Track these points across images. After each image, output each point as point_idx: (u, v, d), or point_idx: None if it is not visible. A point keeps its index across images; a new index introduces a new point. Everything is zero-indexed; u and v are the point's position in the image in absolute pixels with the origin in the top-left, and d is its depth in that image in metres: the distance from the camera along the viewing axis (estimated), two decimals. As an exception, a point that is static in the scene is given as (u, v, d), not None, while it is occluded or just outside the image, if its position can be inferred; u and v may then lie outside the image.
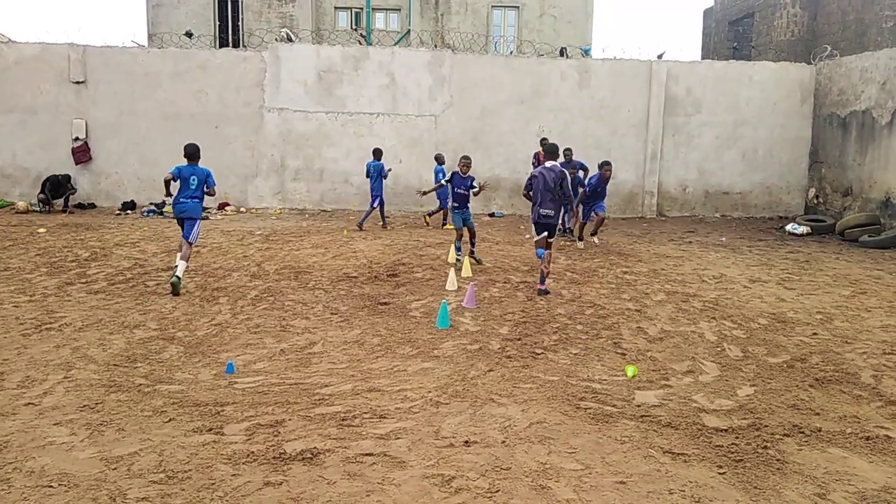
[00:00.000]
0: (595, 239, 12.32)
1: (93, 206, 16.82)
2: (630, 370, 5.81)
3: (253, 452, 4.20)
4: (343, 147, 17.25)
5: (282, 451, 4.22)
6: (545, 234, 8.71)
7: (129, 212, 16.16)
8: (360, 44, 19.74)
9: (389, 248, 11.79)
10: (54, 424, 4.58)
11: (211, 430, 4.53)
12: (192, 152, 9.02)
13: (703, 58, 26.90)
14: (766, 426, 4.77)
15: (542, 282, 8.69)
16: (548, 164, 8.77)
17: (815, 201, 17.54)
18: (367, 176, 14.34)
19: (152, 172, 17.06)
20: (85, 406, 4.90)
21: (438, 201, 15.06)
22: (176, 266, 8.67)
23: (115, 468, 3.99)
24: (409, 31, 23.08)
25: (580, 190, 12.42)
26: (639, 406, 5.10)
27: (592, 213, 12.59)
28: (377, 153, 14.40)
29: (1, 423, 4.58)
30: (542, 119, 17.33)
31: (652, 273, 10.22)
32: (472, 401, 5.13)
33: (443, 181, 10.75)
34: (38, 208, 15.87)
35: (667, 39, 75.77)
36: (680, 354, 6.42)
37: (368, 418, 4.76)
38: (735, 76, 17.62)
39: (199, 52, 17.24)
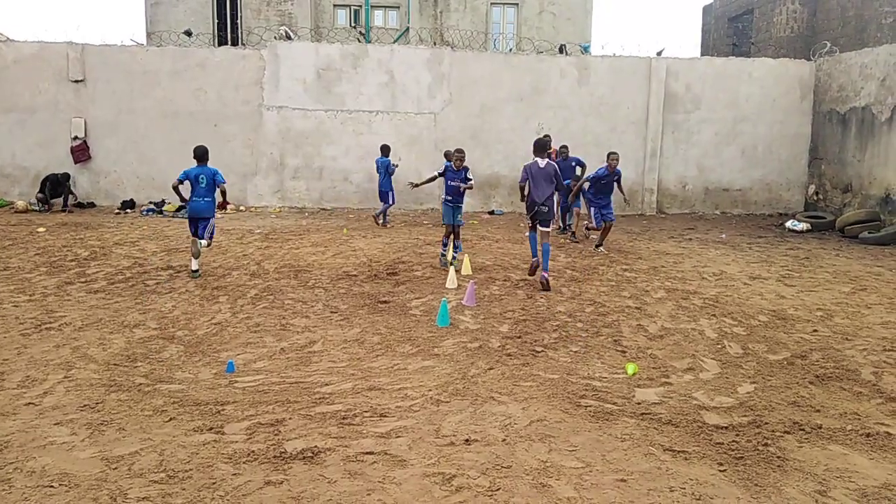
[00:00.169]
0: (602, 248, 11.82)
1: (92, 205, 16.80)
2: (630, 368, 5.82)
3: (253, 451, 4.20)
4: (342, 145, 17.24)
5: (282, 450, 4.22)
6: (538, 223, 9.01)
7: (128, 211, 16.15)
8: (359, 41, 19.73)
9: (389, 247, 11.79)
10: (55, 424, 4.58)
11: (211, 429, 4.53)
12: (200, 154, 9.38)
13: (702, 54, 26.86)
14: (766, 423, 4.77)
15: (545, 269, 8.94)
16: (541, 162, 8.99)
17: (815, 198, 17.54)
18: (378, 171, 14.48)
19: (151, 171, 17.06)
20: (85, 406, 4.90)
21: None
22: (191, 263, 9.23)
23: (115, 468, 3.99)
24: (408, 29, 23.05)
25: (585, 185, 11.98)
26: (639, 404, 5.10)
27: (602, 221, 11.80)
28: (384, 149, 14.48)
29: (1, 423, 4.58)
30: (542, 116, 17.32)
31: (652, 270, 10.22)
32: (473, 399, 5.13)
33: (435, 173, 10.59)
34: (37, 207, 15.86)
35: (666, 36, 75.70)
36: (680, 352, 6.42)
37: (369, 417, 4.76)
38: (734, 73, 17.60)
39: (197, 51, 17.21)
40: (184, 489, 3.76)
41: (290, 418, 4.71)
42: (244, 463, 4.07)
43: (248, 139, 17.06)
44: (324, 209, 17.17)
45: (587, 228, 12.54)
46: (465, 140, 17.06)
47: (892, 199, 14.56)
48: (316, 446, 4.28)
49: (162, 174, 17.06)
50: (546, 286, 8.76)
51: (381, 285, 8.93)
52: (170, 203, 16.48)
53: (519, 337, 6.75)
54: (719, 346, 6.59)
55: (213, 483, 3.83)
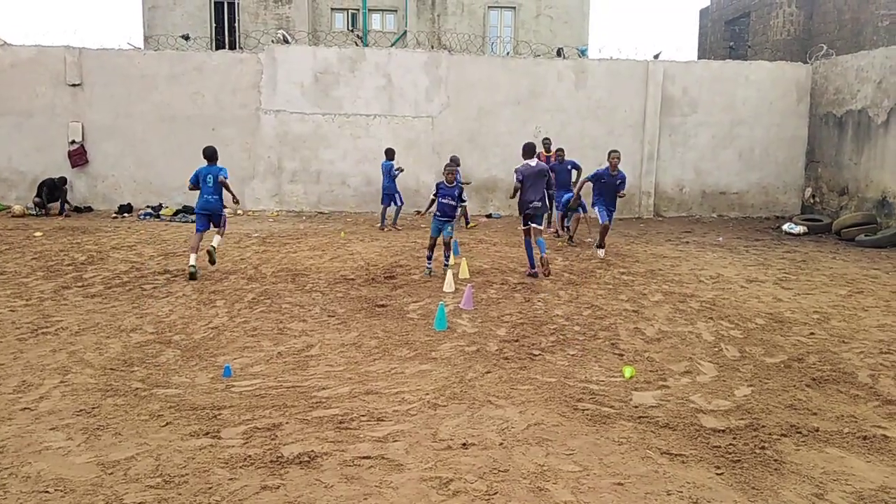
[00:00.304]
0: (601, 252, 11.38)
1: (89, 209, 16.78)
2: (627, 371, 5.82)
3: (250, 456, 4.19)
4: (340, 149, 17.24)
5: (279, 455, 4.21)
6: (532, 223, 9.70)
7: (125, 215, 16.13)
8: (357, 45, 19.74)
9: (387, 250, 11.78)
10: (50, 429, 4.57)
11: (208, 433, 4.52)
12: (209, 154, 9.98)
13: (699, 57, 26.94)
14: (763, 426, 4.77)
15: (533, 266, 9.79)
16: (531, 162, 9.64)
17: (812, 201, 17.57)
18: (382, 175, 14.60)
19: (149, 175, 17.05)
20: (81, 410, 4.88)
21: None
22: (211, 248, 9.76)
23: (111, 473, 3.98)
24: (405, 32, 23.09)
25: (585, 182, 11.67)
26: (636, 407, 5.10)
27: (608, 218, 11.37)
28: (389, 153, 14.55)
29: (-3, 428, 4.57)
30: (539, 120, 17.33)
31: (649, 273, 10.23)
32: (470, 403, 5.12)
33: (431, 196, 9.91)
34: (34, 212, 15.84)
35: (663, 39, 75.88)
36: (677, 355, 6.42)
37: (366, 421, 4.76)
38: (731, 76, 17.64)
39: (195, 55, 17.22)
40: (180, 494, 3.75)
41: (286, 423, 4.71)
42: (241, 468, 4.06)
43: (246, 143, 17.06)
44: (321, 213, 17.16)
45: (599, 230, 11.67)
46: (463, 143, 17.08)
47: (888, 201, 14.59)
48: (313, 451, 4.27)
49: (159, 178, 17.08)
50: (546, 268, 9.62)
51: (379, 289, 8.92)
52: (167, 207, 16.47)
53: (516, 340, 6.75)
54: (716, 350, 6.60)
55: (210, 488, 3.82)
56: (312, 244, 12.33)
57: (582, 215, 12.84)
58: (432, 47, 20.99)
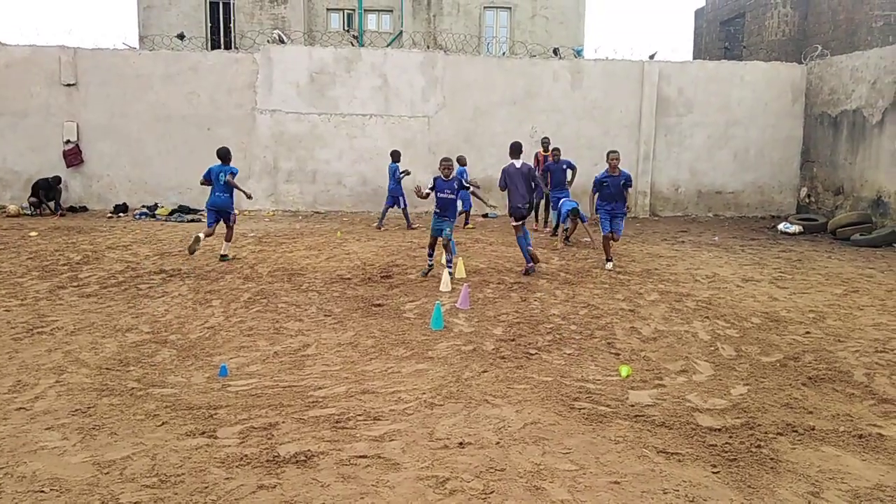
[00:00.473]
0: (610, 265, 10.53)
1: (84, 209, 16.74)
2: (624, 370, 5.82)
3: (246, 455, 4.19)
4: (336, 148, 17.23)
5: (275, 454, 4.20)
6: (522, 220, 9.89)
7: (120, 214, 16.09)
8: (353, 45, 19.73)
9: (383, 250, 11.78)
10: (46, 429, 4.55)
11: (204, 433, 4.51)
12: (222, 154, 10.58)
13: (694, 58, 26.98)
14: (759, 425, 4.78)
15: (529, 261, 9.94)
16: (517, 163, 9.94)
17: (807, 200, 17.62)
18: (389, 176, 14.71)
19: (144, 175, 17.01)
20: (77, 410, 4.87)
21: (461, 203, 14.97)
22: (223, 256, 10.58)
23: (107, 472, 3.97)
24: (401, 33, 23.08)
25: (593, 194, 10.71)
26: (633, 406, 5.11)
27: (610, 230, 10.53)
28: (394, 155, 14.61)
29: (-8, 428, 4.55)
30: (535, 120, 17.35)
31: (645, 273, 10.24)
32: (467, 402, 5.12)
33: (427, 189, 9.55)
34: (29, 211, 15.79)
35: (658, 40, 76.00)
36: (673, 354, 6.43)
37: (362, 420, 4.75)
38: (726, 76, 17.68)
39: (190, 54, 17.18)
40: (176, 494, 3.74)
41: (283, 422, 4.70)
42: (237, 467, 4.05)
43: (242, 143, 17.02)
44: (317, 212, 17.15)
45: (603, 238, 10.80)
46: (459, 143, 17.08)
47: (883, 201, 14.64)
48: (309, 450, 4.27)
49: (155, 178, 17.04)
50: (535, 260, 9.95)
51: (375, 288, 8.92)
52: (162, 207, 16.44)
53: (513, 340, 6.75)
54: (712, 349, 6.61)
55: (206, 487, 3.81)
56: (309, 244, 12.32)
57: (581, 224, 12.74)
58: (428, 47, 21.00)
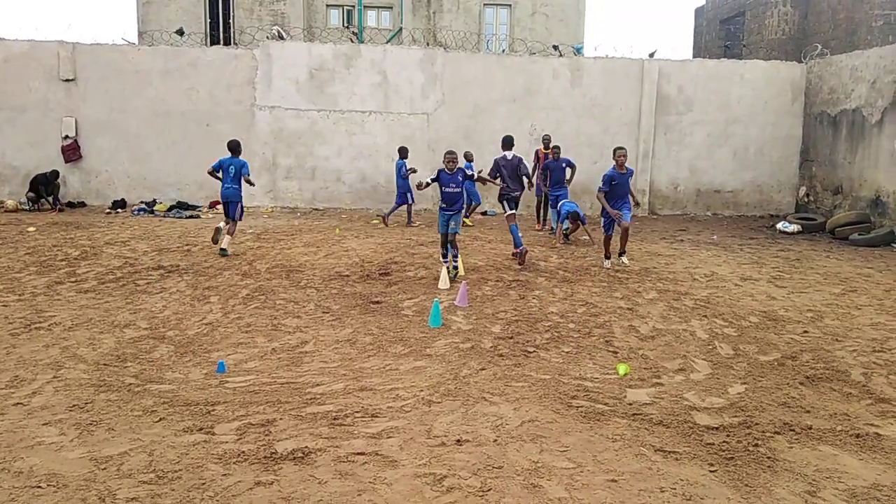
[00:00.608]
0: (625, 259, 10.39)
1: (83, 204, 16.72)
2: (622, 368, 5.83)
3: (244, 452, 4.18)
4: (335, 145, 17.21)
5: (273, 451, 4.20)
6: (514, 209, 10.59)
7: (119, 210, 16.06)
8: (352, 41, 19.69)
9: (382, 247, 11.77)
10: (43, 424, 4.55)
11: (201, 429, 4.51)
12: (233, 147, 10.89)
13: (694, 56, 26.97)
14: (756, 424, 4.79)
15: (520, 244, 10.35)
16: (508, 154, 10.56)
17: (806, 199, 17.63)
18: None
19: (143, 170, 16.99)
20: (74, 406, 4.87)
21: (469, 198, 15.04)
22: (221, 241, 10.67)
23: (104, 468, 3.97)
24: (401, 29, 23.05)
25: (601, 194, 10.18)
26: (630, 404, 5.11)
27: (616, 225, 10.25)
28: (402, 151, 14.63)
29: (-11, 423, 4.55)
30: (535, 117, 17.33)
31: (643, 271, 10.24)
32: (464, 399, 5.12)
33: (428, 179, 9.29)
34: (27, 207, 15.77)
35: (658, 38, 75.94)
36: (671, 352, 6.43)
37: (360, 417, 4.75)
38: (726, 75, 17.66)
39: (189, 50, 17.15)
40: (173, 490, 3.74)
41: (280, 419, 4.70)
42: (234, 463, 4.05)
43: (241, 139, 16.95)
44: (316, 209, 17.13)
45: (603, 238, 10.63)
46: (458, 140, 17.06)
47: (881, 201, 14.64)
48: (307, 447, 4.26)
49: (153, 174, 17.02)
50: (521, 260, 10.24)
51: (374, 286, 8.91)
52: (161, 202, 16.42)
53: (511, 337, 6.75)
54: (710, 347, 6.61)
55: (203, 483, 3.81)
56: (307, 241, 12.31)
57: (582, 226, 12.71)
58: (428, 44, 20.97)
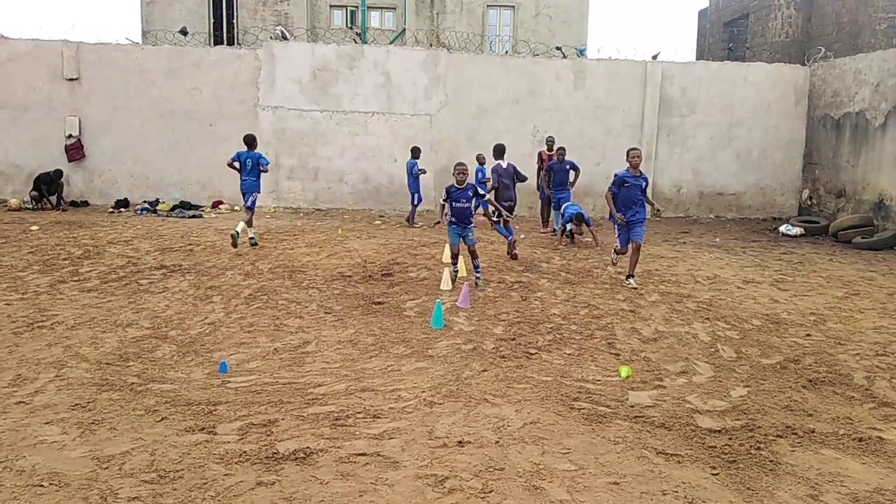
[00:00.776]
0: (632, 281, 9.33)
1: (86, 203, 16.74)
2: (624, 371, 5.82)
3: (245, 452, 4.18)
4: (338, 146, 17.21)
5: (274, 451, 4.20)
6: (510, 216, 10.98)
7: (122, 210, 16.08)
8: (355, 42, 19.71)
9: (384, 248, 11.77)
10: (45, 423, 4.55)
11: (203, 429, 4.51)
12: (249, 140, 11.52)
13: (697, 58, 26.96)
14: (759, 427, 4.78)
15: (514, 247, 10.85)
16: (503, 163, 11.32)
17: (809, 203, 17.60)
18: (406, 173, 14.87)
19: (146, 170, 17.02)
20: (76, 405, 4.87)
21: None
22: (244, 235, 11.34)
23: (106, 467, 3.97)
24: (404, 30, 23.06)
25: (610, 195, 9.34)
26: (632, 407, 5.10)
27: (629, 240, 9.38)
28: (414, 151, 14.71)
29: (-9, 421, 4.55)
30: (538, 119, 17.33)
31: (646, 274, 10.23)
32: (466, 401, 5.12)
33: (441, 201, 8.98)
34: (30, 206, 15.79)
35: (662, 40, 75.94)
36: (674, 355, 6.42)
37: (362, 418, 4.75)
38: (729, 77, 17.64)
39: (193, 50, 17.18)
40: (175, 489, 3.74)
41: (282, 419, 4.70)
42: (236, 463, 4.05)
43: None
44: (319, 210, 17.14)
45: (616, 252, 9.92)
46: (461, 142, 17.07)
47: (885, 204, 14.62)
48: (308, 447, 4.26)
49: (157, 173, 17.05)
50: (513, 251, 10.78)
51: (376, 286, 8.91)
52: (164, 202, 16.44)
53: (513, 339, 6.75)
54: (713, 350, 6.60)
55: (205, 483, 3.81)
56: (309, 241, 12.31)
57: (587, 227, 12.69)
58: (431, 45, 20.97)
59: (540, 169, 14.54)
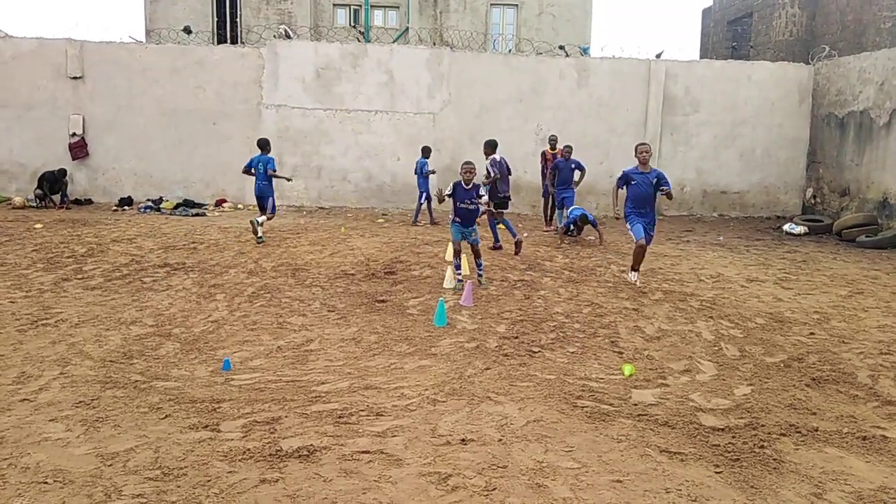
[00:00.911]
0: (634, 276, 9.19)
1: (89, 201, 16.78)
2: (627, 369, 5.81)
3: (249, 449, 4.19)
4: (341, 144, 17.22)
5: (278, 449, 4.21)
6: (502, 209, 11.34)
7: (125, 208, 16.12)
8: (359, 41, 19.71)
9: (387, 246, 11.77)
10: (50, 420, 4.57)
11: (207, 426, 4.52)
12: (262, 144, 11.81)
13: (701, 57, 26.90)
14: (762, 425, 4.77)
15: (498, 241, 11.40)
16: (497, 157, 11.23)
17: (813, 201, 17.56)
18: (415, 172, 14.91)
19: (149, 168, 17.04)
20: (81, 402, 4.88)
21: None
22: (258, 222, 11.64)
23: (110, 464, 3.98)
24: (407, 29, 23.05)
25: (616, 190, 9.29)
26: (636, 405, 5.10)
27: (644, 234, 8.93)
28: (425, 151, 14.75)
29: (-4, 418, 4.57)
30: (541, 117, 17.31)
31: (649, 272, 10.22)
32: (469, 399, 5.12)
33: (445, 196, 8.84)
34: (34, 204, 15.83)
35: (665, 39, 75.82)
36: (677, 353, 6.42)
37: (365, 416, 4.75)
38: (733, 76, 17.61)
39: (196, 49, 17.20)
40: (178, 486, 3.75)
41: (286, 416, 4.70)
42: (239, 461, 4.06)
43: (247, 138, 17.01)
44: (322, 208, 17.15)
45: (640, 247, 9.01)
46: (464, 140, 17.07)
47: (889, 203, 14.58)
48: (312, 445, 4.27)
49: (160, 172, 17.07)
50: (519, 248, 11.07)
51: (379, 284, 8.92)
52: (167, 200, 16.47)
53: (516, 337, 6.75)
54: (716, 348, 6.59)
55: (208, 481, 3.82)
56: (313, 239, 12.32)
57: (594, 229, 12.67)
58: (434, 44, 20.96)
59: (544, 168, 14.52)
